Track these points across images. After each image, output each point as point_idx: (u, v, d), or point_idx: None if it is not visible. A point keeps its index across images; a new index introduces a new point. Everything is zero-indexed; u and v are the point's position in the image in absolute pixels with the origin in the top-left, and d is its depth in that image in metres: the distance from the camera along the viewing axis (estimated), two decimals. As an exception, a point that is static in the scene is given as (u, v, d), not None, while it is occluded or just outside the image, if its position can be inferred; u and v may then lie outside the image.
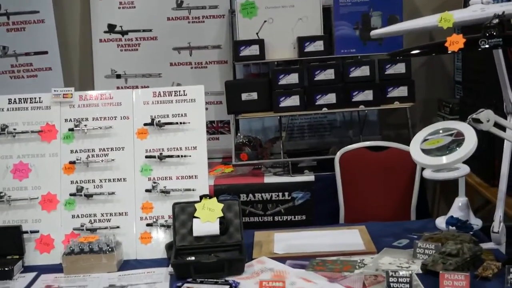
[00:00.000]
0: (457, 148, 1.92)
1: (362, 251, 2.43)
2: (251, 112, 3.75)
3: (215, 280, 2.21)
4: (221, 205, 2.49)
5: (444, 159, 1.93)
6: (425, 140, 2.05)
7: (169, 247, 2.48)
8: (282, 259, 2.40)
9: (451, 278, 2.01)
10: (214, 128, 4.35)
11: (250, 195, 3.66)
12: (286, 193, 3.67)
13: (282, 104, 3.65)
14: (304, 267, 2.29)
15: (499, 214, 2.34)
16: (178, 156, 2.60)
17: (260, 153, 3.88)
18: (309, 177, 3.69)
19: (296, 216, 3.68)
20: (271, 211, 3.68)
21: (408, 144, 3.66)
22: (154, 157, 2.61)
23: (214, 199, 2.51)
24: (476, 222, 2.64)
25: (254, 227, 3.59)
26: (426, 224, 2.73)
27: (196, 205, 2.49)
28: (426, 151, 2.01)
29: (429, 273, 2.14)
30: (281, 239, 2.62)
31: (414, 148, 2.07)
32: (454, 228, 2.51)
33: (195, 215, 2.47)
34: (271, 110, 3.69)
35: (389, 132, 4.33)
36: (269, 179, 3.72)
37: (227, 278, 2.23)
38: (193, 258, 2.39)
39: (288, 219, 3.68)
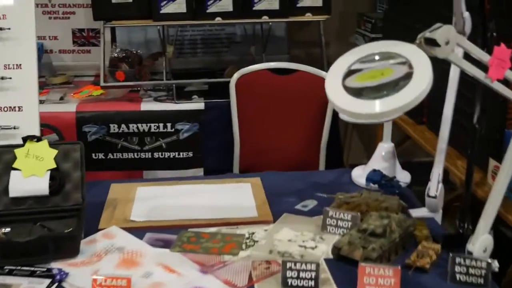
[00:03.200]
0: (401, 88, 1.23)
1: (254, 219, 1.76)
2: (124, 19, 2.91)
3: (31, 269, 1.48)
4: (54, 152, 1.72)
5: (377, 106, 1.24)
6: (350, 72, 1.35)
7: (-24, 210, 1.70)
8: (140, 230, 1.69)
9: (374, 273, 1.39)
10: (84, 39, 3.46)
11: (123, 125, 2.89)
12: (169, 124, 2.92)
13: (164, 10, 2.82)
14: (170, 244, 1.60)
15: (437, 172, 1.73)
16: (-7, 77, 1.77)
17: (138, 72, 3.07)
18: (198, 105, 2.95)
19: (181, 153, 2.96)
20: (149, 146, 2.93)
21: (319, 66, 3.06)
22: (-45, 78, 1.76)
23: (44, 142, 1.73)
24: (404, 177, 2.04)
25: (127, 166, 2.89)
26: (339, 177, 2.10)
27: (17, 151, 1.70)
28: (352, 90, 1.31)
29: (343, 259, 1.51)
30: (145, 197, 1.90)
31: (333, 84, 1.36)
32: (376, 186, 1.88)
33: (14, 166, 1.69)
34: (150, 18, 2.86)
35: (298, 52, 3.64)
36: (147, 105, 2.94)
37: (53, 265, 1.50)
38: (7, 229, 1.63)
39: (171, 156, 2.96)
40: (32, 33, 1.81)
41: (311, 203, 1.87)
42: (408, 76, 1.23)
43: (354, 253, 1.48)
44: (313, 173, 2.20)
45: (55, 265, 1.50)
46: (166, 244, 1.61)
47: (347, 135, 3.90)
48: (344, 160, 3.87)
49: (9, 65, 1.79)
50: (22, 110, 1.80)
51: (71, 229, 1.61)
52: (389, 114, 1.22)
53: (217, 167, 3.00)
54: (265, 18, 2.92)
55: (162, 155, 2.95)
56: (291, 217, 1.78)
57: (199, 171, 2.99)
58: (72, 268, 1.49)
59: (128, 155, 2.93)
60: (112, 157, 2.91)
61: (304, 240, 1.64)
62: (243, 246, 1.60)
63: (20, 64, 1.80)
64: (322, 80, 2.78)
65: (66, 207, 1.68)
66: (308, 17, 2.97)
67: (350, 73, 1.33)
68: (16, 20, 1.79)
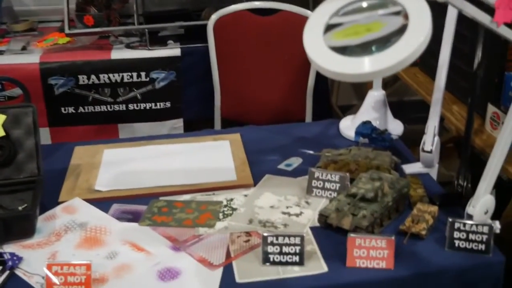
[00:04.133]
0: (394, 42, 1.03)
1: (232, 183, 1.59)
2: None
3: (-20, 254, 1.31)
4: (2, 118, 1.52)
5: (366, 64, 1.04)
6: (330, 27, 1.14)
7: None
8: (106, 201, 1.52)
9: (365, 245, 1.24)
10: (49, -21, 3.18)
11: (93, 76, 2.67)
12: (143, 73, 2.70)
13: None
14: (138, 217, 1.44)
15: (433, 125, 1.56)
16: None
17: (107, 16, 2.82)
18: (173, 51, 2.72)
19: (158, 104, 2.76)
20: (123, 97, 2.73)
21: (304, 5, 2.83)
22: None
23: (-8, 107, 1.53)
24: (396, 127, 1.86)
25: (100, 120, 2.69)
26: (326, 129, 1.92)
27: (-40, 118, 1.51)
28: (336, 48, 1.11)
29: (332, 227, 1.36)
30: (112, 161, 1.72)
31: (313, 39, 1.16)
32: (366, 140, 1.71)
33: (-42, 135, 1.50)
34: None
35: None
36: (118, 53, 2.71)
37: (5, 248, 1.34)
38: (-44, 207, 1.45)
39: (147, 107, 2.76)
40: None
41: (295, 162, 1.70)
42: (402, 30, 1.03)
43: (343, 221, 1.32)
44: (298, 125, 2.02)
45: (8, 248, 1.33)
46: (134, 217, 1.45)
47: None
48: (333, 101, 3.69)
49: None
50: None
51: (25, 205, 1.44)
52: (380, 74, 1.03)
53: (197, 117, 2.83)
54: (242, -49, 2.65)
55: (137, 106, 2.75)
56: (274, 179, 1.61)
57: (179, 122, 2.81)
58: (26, 251, 1.33)
59: (100, 108, 2.73)
60: (83, 111, 2.71)
61: (288, 205, 1.48)
62: (220, 215, 1.44)
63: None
64: (305, 19, 2.60)
65: (19, 180, 1.51)
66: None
67: (329, 28, 1.12)
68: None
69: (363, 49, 1.05)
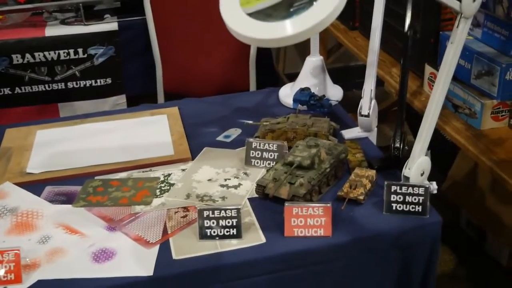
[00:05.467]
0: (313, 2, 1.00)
1: (169, 159, 1.55)
2: None
3: None
4: None
5: (288, 27, 1.00)
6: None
7: None
8: (39, 184, 1.47)
9: (302, 213, 1.23)
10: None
11: (28, 55, 2.57)
12: (80, 50, 2.62)
13: None
14: (72, 198, 1.39)
15: (369, 88, 1.55)
16: None
17: (39, -8, 2.71)
18: (111, 25, 2.64)
19: (98, 80, 2.68)
20: (61, 75, 2.64)
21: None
22: None
23: None
24: (335, 93, 1.85)
25: (38, 100, 2.61)
26: (266, 98, 1.90)
27: None
28: (253, 14, 1.08)
29: (269, 198, 1.34)
30: (45, 142, 1.66)
31: (229, 6, 1.13)
32: (305, 107, 1.70)
33: None
34: None
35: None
36: (53, 30, 2.61)
37: None
38: None
39: (87, 84, 2.68)
40: None
41: (234, 133, 1.67)
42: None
43: (280, 190, 1.31)
44: (239, 95, 1.98)
45: None
46: (68, 199, 1.41)
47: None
48: (279, 70, 3.67)
49: None
50: None
51: (-48, 192, 1.38)
52: (301, 36, 1.00)
53: (140, 92, 2.77)
54: None
55: (77, 84, 2.67)
56: (212, 152, 1.59)
57: (121, 99, 2.74)
58: (-47, 240, 1.27)
59: (38, 87, 2.64)
60: (20, 91, 2.62)
61: (226, 178, 1.46)
62: (157, 192, 1.41)
63: None
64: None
65: None
66: None
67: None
68: None
69: (281, 12, 1.02)
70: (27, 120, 2.58)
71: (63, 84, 2.66)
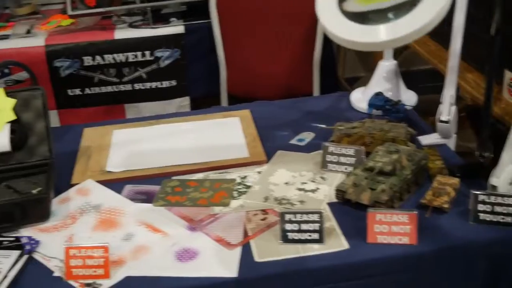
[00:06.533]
0: (412, 8, 0.99)
1: (245, 160, 1.57)
2: None
3: (-4, 239, 1.30)
4: (13, 101, 1.50)
5: (381, 32, 1.00)
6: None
7: None
8: (119, 182, 1.51)
9: (386, 220, 1.21)
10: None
11: (98, 57, 2.64)
12: (148, 52, 2.67)
13: None
14: (152, 197, 1.42)
15: (449, 93, 1.53)
16: None
17: (109, -4, 2.78)
18: (177, 28, 2.69)
19: (164, 82, 2.73)
20: (128, 77, 2.70)
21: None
22: None
23: (0, 91, 1.50)
24: (409, 98, 1.83)
25: (106, 101, 2.67)
26: (337, 102, 1.89)
27: (-32, 103, 1.48)
28: (351, 15, 1.07)
29: (350, 203, 1.33)
30: (122, 141, 1.70)
31: (327, 7, 1.13)
32: (380, 112, 1.68)
33: (-34, 121, 1.47)
34: None
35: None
36: (122, 33, 2.67)
37: (21, 232, 1.32)
38: (-32, 193, 1.44)
39: (153, 86, 2.73)
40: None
41: (307, 136, 1.67)
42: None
43: (362, 196, 1.30)
44: (307, 99, 1.98)
45: (24, 232, 1.32)
46: (148, 198, 1.43)
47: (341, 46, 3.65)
48: (339, 74, 3.65)
49: None
50: (-30, 56, 1.56)
51: (39, 189, 1.42)
52: (398, 42, 1.00)
53: (204, 94, 2.80)
54: None
55: (143, 86, 2.73)
56: (286, 155, 1.59)
57: (185, 100, 2.78)
58: (43, 235, 1.31)
59: (106, 88, 2.71)
60: (89, 92, 2.69)
61: (303, 182, 1.46)
62: (235, 193, 1.42)
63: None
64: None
65: (32, 163, 1.49)
66: None
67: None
68: None
69: (380, 16, 1.02)
70: (95, 120, 2.65)
71: (130, 85, 2.72)
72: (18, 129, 1.48)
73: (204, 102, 2.82)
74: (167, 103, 2.77)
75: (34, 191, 1.42)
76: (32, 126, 1.50)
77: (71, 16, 2.70)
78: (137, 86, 2.72)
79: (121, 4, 2.81)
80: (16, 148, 1.48)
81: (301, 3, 2.58)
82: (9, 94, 1.51)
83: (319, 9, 1.14)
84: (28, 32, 2.73)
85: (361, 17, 1.05)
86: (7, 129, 1.48)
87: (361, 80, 3.33)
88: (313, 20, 2.55)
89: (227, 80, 2.69)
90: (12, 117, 1.49)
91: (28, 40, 2.65)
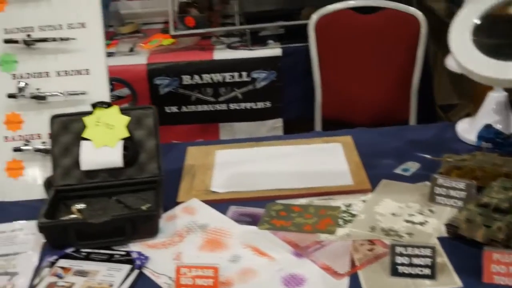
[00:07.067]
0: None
1: (349, 188, 1.55)
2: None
3: (109, 252, 1.35)
4: (127, 119, 1.56)
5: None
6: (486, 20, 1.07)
7: (49, 184, 1.58)
8: (223, 202, 1.53)
9: (504, 260, 1.17)
10: (151, -19, 3.26)
11: (196, 76, 2.71)
12: (244, 73, 2.72)
13: None
14: (257, 220, 1.43)
15: None
16: (56, 39, 1.61)
17: (209, 18, 2.86)
18: (274, 51, 2.73)
19: (258, 103, 2.77)
20: (224, 97, 2.75)
21: (409, 2, 2.74)
22: (17, 41, 1.61)
23: (115, 109, 1.57)
24: (520, 131, 1.76)
25: (202, 119, 2.74)
26: (442, 132, 1.85)
27: (86, 119, 1.55)
28: (485, 48, 1.05)
29: (461, 238, 1.29)
30: (225, 162, 1.73)
31: (460, 38, 1.11)
32: (490, 144, 1.63)
33: (83, 135, 1.54)
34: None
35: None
36: (220, 54, 2.74)
37: (131, 247, 1.37)
38: (82, 205, 1.51)
39: (248, 107, 2.77)
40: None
41: (412, 166, 1.64)
42: None
43: (476, 233, 1.25)
44: (410, 127, 1.95)
45: (134, 247, 1.36)
46: (253, 220, 1.44)
47: (436, 72, 3.57)
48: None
49: (72, 24, 1.62)
50: (89, 73, 1.64)
51: (149, 205, 1.47)
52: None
53: (297, 116, 2.82)
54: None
55: (238, 106, 2.77)
56: (392, 184, 1.56)
57: (278, 122, 2.81)
58: (152, 251, 1.35)
59: (202, 107, 2.77)
60: (186, 110, 2.76)
61: (410, 213, 1.43)
62: (340, 221, 1.41)
63: (84, 23, 1.63)
64: (411, 17, 2.52)
65: (141, 179, 1.53)
66: None
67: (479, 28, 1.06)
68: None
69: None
70: (189, 137, 2.73)
71: (225, 105, 2.77)
72: (130, 146, 1.54)
73: (297, 124, 2.83)
74: (260, 124, 2.80)
75: (144, 207, 1.47)
76: (143, 143, 1.55)
77: (172, 36, 2.80)
78: (232, 106, 2.77)
79: (220, 25, 2.88)
80: (128, 164, 1.53)
81: (401, 27, 2.55)
82: (123, 111, 1.57)
83: (451, 39, 1.12)
84: (131, 50, 2.85)
85: (494, 51, 1.02)
86: (120, 145, 1.53)
87: (457, 108, 3.24)
88: (413, 44, 2.52)
89: (322, 104, 2.69)
90: (126, 134, 1.54)
91: (131, 58, 2.76)
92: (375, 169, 1.63)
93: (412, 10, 2.54)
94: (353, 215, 1.44)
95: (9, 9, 1.62)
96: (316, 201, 1.51)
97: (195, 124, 2.79)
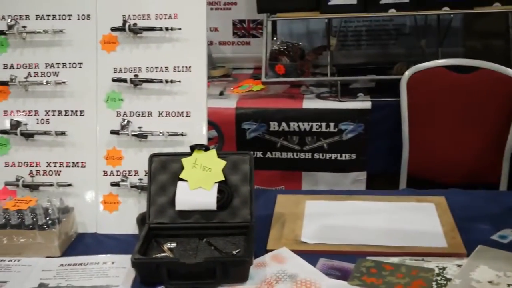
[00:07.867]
0: None
1: (443, 251, 1.51)
2: (290, 11, 2.75)
3: (199, 294, 1.36)
4: (223, 163, 1.59)
5: None
6: None
7: (142, 220, 1.62)
8: (312, 254, 1.52)
9: None
10: (244, 30, 3.37)
11: (284, 123, 2.74)
12: (332, 124, 2.72)
13: (333, 2, 2.62)
14: (346, 274, 1.41)
15: None
16: (162, 80, 1.68)
17: (300, 67, 2.91)
18: (364, 104, 2.73)
19: (344, 155, 2.76)
20: (310, 146, 2.76)
21: (503, 62, 2.69)
22: (125, 80, 1.69)
23: (212, 152, 1.60)
24: None
25: (285, 166, 2.76)
26: (542, 200, 1.77)
27: (184, 160, 1.60)
28: None
29: None
30: (315, 212, 1.72)
31: None
32: None
33: (181, 176, 1.58)
34: (318, 10, 2.67)
35: (475, 43, 3.24)
36: (310, 103, 2.77)
37: (220, 290, 1.38)
38: (174, 244, 1.53)
39: (333, 157, 2.76)
40: (203, 34, 1.69)
41: (510, 234, 1.58)
42: None
43: None
44: (506, 194, 1.88)
45: (223, 292, 1.37)
46: (342, 275, 1.42)
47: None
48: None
49: (178, 67, 1.69)
50: (190, 116, 1.69)
51: (239, 250, 1.48)
52: None
53: (381, 171, 2.79)
54: (445, 10, 2.60)
55: (323, 156, 2.77)
56: (488, 251, 1.50)
57: (362, 175, 2.78)
58: (241, 296, 1.35)
59: (287, 154, 2.79)
60: (270, 156, 2.79)
61: (509, 283, 1.36)
62: (434, 285, 1.37)
63: (190, 67, 1.70)
64: (507, 78, 2.47)
65: (233, 224, 1.55)
66: (497, 7, 2.60)
67: None
68: (188, 20, 1.68)
69: None
70: (271, 183, 2.75)
71: (310, 154, 2.78)
72: (225, 190, 1.56)
73: (380, 178, 2.80)
74: (343, 176, 2.79)
75: (234, 252, 1.48)
76: (238, 188, 1.57)
77: (263, 83, 2.86)
78: (317, 155, 2.77)
79: (311, 75, 2.92)
80: (221, 207, 1.56)
81: (496, 88, 2.50)
82: (220, 155, 1.60)
83: None
84: (221, 93, 2.93)
85: None
86: (215, 189, 1.56)
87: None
88: (507, 107, 2.46)
89: (408, 160, 2.64)
90: (221, 178, 1.57)
91: (221, 101, 2.84)
92: (470, 234, 1.58)
93: (510, 71, 2.49)
94: (448, 279, 1.39)
95: (120, 49, 1.71)
96: (408, 260, 1.47)
97: (278, 171, 2.81)
